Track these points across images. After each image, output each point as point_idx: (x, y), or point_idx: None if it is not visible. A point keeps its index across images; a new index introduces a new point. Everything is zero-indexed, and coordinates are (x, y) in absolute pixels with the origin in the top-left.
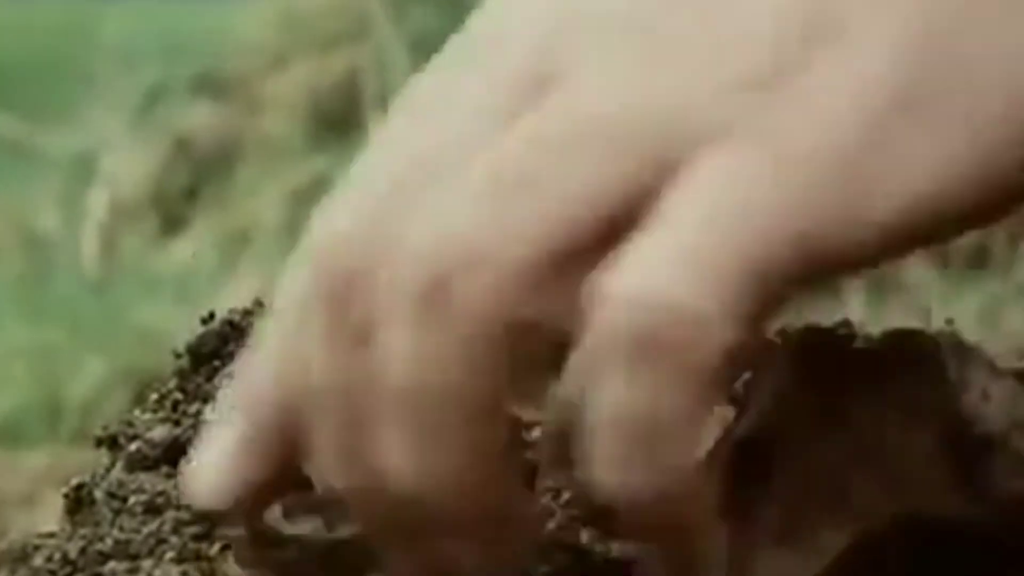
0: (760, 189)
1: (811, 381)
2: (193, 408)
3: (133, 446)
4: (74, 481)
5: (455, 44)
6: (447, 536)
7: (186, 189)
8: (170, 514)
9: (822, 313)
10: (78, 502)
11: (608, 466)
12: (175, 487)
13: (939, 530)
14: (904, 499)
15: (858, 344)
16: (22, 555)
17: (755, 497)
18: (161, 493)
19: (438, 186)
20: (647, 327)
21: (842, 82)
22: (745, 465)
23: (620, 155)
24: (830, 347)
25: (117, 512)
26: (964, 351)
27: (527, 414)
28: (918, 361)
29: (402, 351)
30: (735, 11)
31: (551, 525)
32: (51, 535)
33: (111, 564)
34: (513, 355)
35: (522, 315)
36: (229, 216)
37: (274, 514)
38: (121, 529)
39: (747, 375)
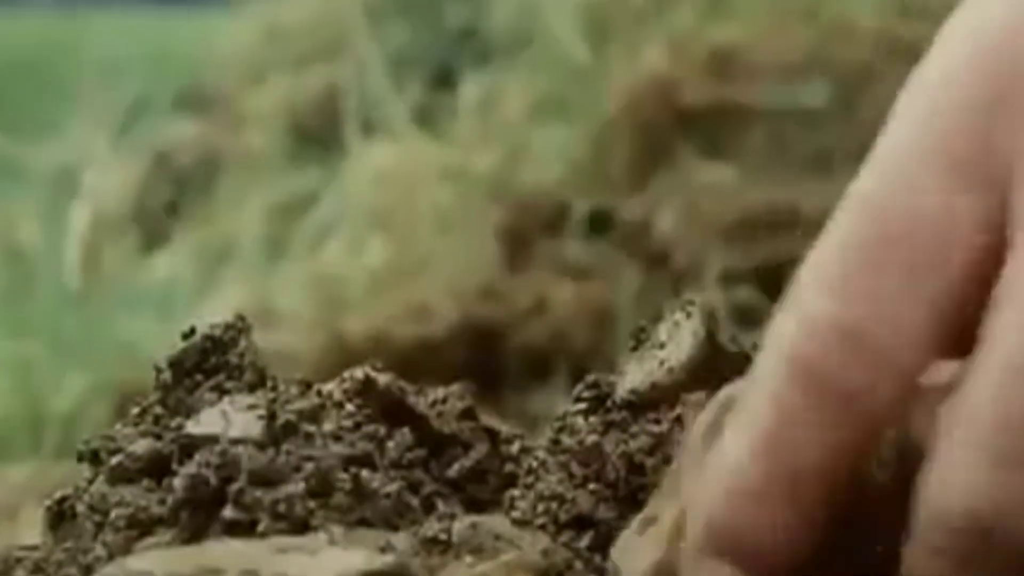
0: None
1: None
2: (174, 422)
3: (115, 460)
4: (56, 495)
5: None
6: None
7: (167, 204)
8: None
9: None
10: (60, 516)
11: None
12: (157, 502)
13: None
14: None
15: None
16: (4, 568)
17: None
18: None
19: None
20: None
21: None
22: None
23: None
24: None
25: (99, 526)
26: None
27: (506, 428)
28: None
29: None
30: None
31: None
32: (33, 548)
33: None
34: None
35: None
36: (210, 231)
37: None
38: (103, 543)
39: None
